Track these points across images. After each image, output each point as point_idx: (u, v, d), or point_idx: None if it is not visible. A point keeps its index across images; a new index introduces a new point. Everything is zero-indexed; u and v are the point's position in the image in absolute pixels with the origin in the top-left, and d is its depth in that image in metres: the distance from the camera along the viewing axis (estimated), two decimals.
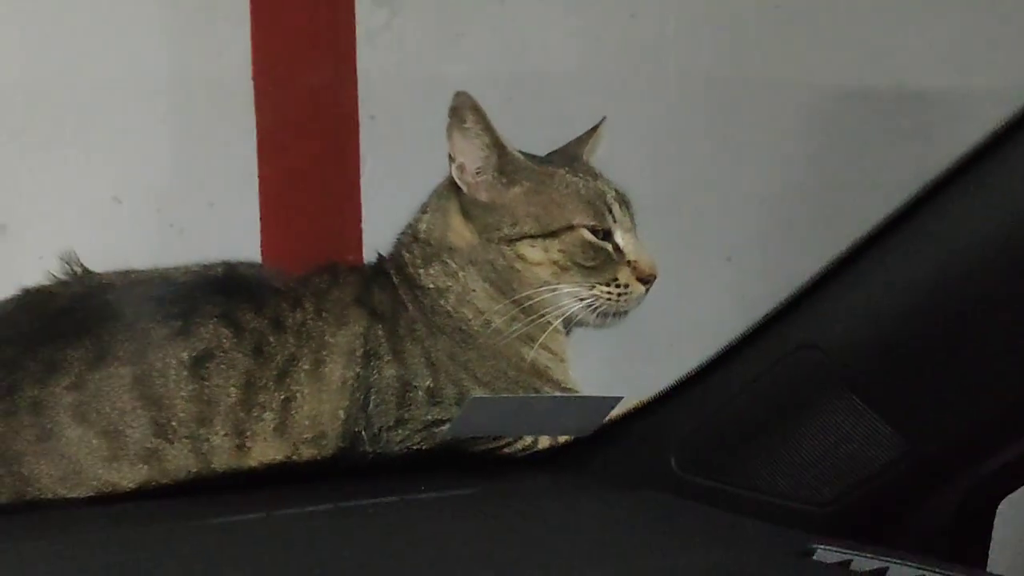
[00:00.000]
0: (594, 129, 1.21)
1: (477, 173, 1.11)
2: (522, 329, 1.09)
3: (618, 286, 1.08)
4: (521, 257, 1.09)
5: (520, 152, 1.13)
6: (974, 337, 0.81)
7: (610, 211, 1.10)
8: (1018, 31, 2.16)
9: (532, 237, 1.09)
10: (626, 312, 1.10)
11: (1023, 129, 0.76)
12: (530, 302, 1.09)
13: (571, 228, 1.09)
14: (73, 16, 1.85)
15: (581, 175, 1.12)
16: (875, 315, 0.84)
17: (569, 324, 1.12)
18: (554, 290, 1.08)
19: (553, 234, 1.09)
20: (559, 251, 1.08)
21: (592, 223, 1.09)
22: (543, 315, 1.09)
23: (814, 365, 0.86)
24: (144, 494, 0.99)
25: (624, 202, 1.12)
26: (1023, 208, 0.77)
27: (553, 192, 1.11)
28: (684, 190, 1.95)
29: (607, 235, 1.09)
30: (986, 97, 1.84)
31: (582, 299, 1.08)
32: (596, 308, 1.09)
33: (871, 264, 0.84)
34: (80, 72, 1.85)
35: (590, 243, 1.08)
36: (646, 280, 1.09)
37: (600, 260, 1.08)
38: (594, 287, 1.08)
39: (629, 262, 1.09)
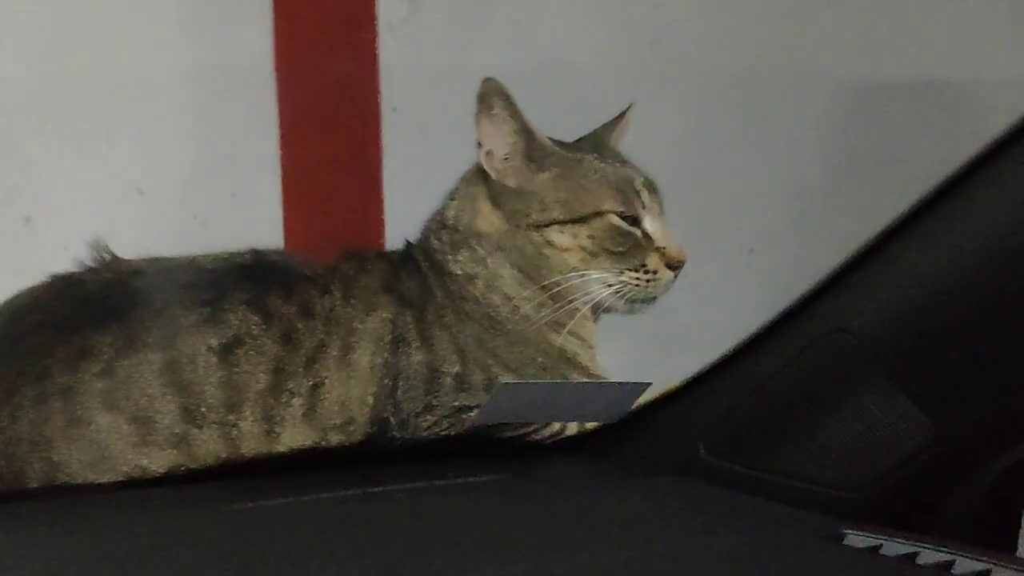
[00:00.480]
0: (621, 116, 1.21)
1: (505, 159, 1.12)
2: (550, 315, 1.09)
3: (647, 272, 1.08)
4: (550, 243, 1.09)
5: (548, 138, 1.13)
6: (1007, 323, 0.81)
7: (639, 197, 1.10)
8: None
9: (561, 223, 1.09)
10: (655, 298, 1.10)
11: None
12: (558, 288, 1.09)
13: (600, 214, 1.09)
14: (95, 8, 1.87)
15: (609, 161, 1.13)
16: (907, 300, 0.84)
17: (597, 310, 1.12)
18: (583, 276, 1.08)
19: (582, 220, 1.09)
20: (588, 237, 1.09)
21: (621, 209, 1.09)
22: (571, 301, 1.09)
23: (845, 350, 0.86)
24: (173, 479, 1.00)
25: (652, 188, 1.12)
26: None
27: (582, 178, 1.11)
28: (707, 181, 1.95)
29: (635, 221, 1.09)
30: (1009, 87, 1.84)
31: (610, 285, 1.08)
32: (624, 294, 1.09)
33: (903, 250, 0.84)
34: (102, 64, 1.86)
35: (619, 229, 1.09)
36: (675, 266, 1.10)
37: (629, 246, 1.08)
38: (623, 273, 1.08)
39: (658, 248, 1.09)
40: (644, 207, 1.11)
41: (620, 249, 1.08)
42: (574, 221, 1.09)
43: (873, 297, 0.85)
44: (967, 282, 0.81)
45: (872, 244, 0.85)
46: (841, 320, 0.85)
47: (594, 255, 1.08)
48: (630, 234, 1.09)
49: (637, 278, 1.08)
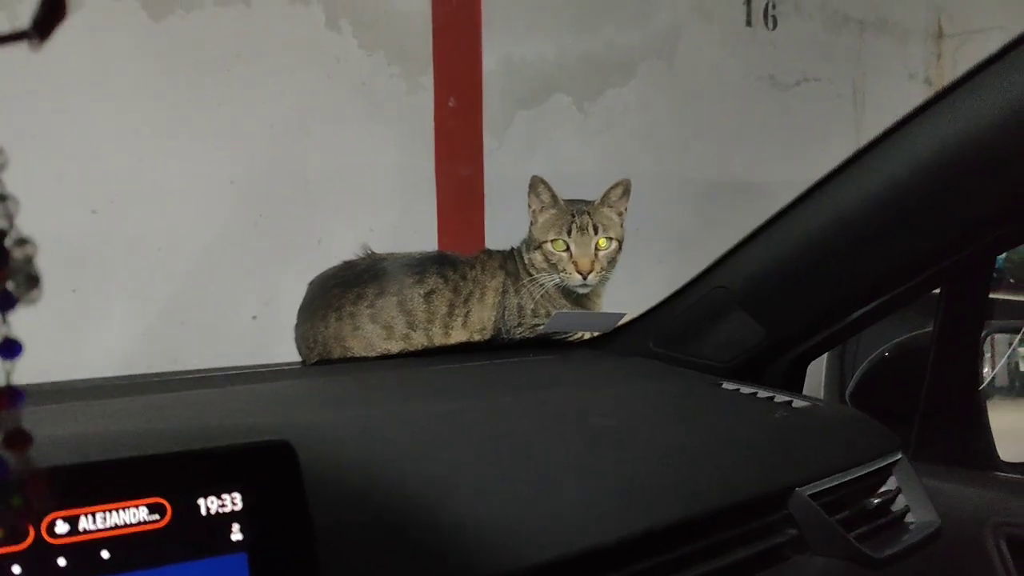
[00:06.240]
0: (616, 186, 1.12)
1: (536, 211, 1.08)
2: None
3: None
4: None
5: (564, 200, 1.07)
6: (804, 282, 0.80)
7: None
8: None
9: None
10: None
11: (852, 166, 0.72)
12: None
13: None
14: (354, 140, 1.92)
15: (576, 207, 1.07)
16: (754, 271, 0.83)
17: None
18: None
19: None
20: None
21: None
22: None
23: (723, 296, 0.85)
24: (401, 355, 1.01)
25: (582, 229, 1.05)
26: (842, 217, 0.75)
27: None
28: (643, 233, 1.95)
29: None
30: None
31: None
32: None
33: (752, 247, 0.83)
34: (350, 170, 1.89)
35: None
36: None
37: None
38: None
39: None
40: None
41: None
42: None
43: (738, 270, 0.84)
44: (781, 262, 0.80)
45: (736, 245, 0.84)
46: (722, 281, 0.85)
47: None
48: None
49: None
